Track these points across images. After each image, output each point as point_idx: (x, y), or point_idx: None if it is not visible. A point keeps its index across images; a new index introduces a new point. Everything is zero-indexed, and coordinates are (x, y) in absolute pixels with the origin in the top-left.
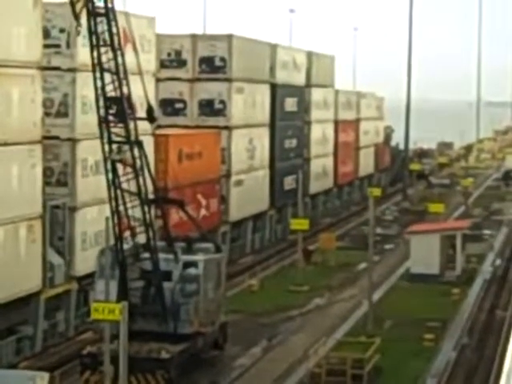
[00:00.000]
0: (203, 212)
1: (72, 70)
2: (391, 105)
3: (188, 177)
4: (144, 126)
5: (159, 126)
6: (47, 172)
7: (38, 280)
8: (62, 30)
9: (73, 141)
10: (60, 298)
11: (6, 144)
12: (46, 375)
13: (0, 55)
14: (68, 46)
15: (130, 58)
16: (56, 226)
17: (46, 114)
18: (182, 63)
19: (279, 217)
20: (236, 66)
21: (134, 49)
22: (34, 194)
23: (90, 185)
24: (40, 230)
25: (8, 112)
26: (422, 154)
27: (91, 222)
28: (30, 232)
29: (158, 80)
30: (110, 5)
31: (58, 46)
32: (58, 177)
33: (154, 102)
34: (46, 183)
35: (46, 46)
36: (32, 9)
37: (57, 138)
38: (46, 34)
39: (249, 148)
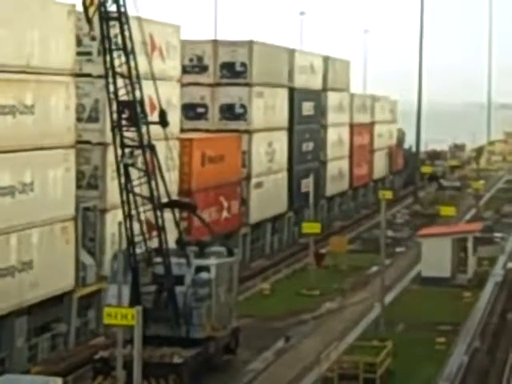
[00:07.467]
0: (225, 214)
1: (103, 76)
2: (402, 107)
3: (211, 179)
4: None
5: (182, 130)
6: (78, 175)
7: (72, 279)
8: (93, 38)
9: (103, 145)
10: (91, 297)
11: (43, 148)
12: (59, 380)
13: (38, 63)
14: (99, 53)
15: (157, 64)
16: (87, 227)
17: (78, 119)
18: (203, 68)
19: (296, 219)
20: (256, 71)
21: (147, 53)
22: (68, 197)
23: None
24: (73, 232)
25: (45, 118)
26: (435, 156)
27: None
28: (63, 233)
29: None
30: (122, 9)
31: (89, 53)
32: (88, 180)
33: (178, 107)
34: (78, 186)
35: (78, 54)
36: (66, 18)
37: (88, 142)
38: (78, 41)
39: (268, 151)
